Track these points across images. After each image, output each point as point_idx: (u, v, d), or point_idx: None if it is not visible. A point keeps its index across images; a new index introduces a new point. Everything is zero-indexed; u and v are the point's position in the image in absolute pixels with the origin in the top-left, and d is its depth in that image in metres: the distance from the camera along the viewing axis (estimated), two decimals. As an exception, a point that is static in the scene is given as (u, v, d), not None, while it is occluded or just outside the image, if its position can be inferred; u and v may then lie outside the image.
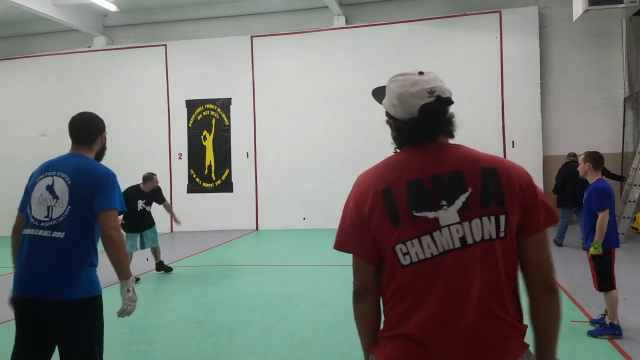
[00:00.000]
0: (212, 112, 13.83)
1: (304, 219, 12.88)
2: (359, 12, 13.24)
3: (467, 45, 12.24)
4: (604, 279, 4.67)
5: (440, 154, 1.59)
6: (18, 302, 2.68)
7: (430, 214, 1.51)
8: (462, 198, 1.52)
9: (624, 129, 11.79)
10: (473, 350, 1.48)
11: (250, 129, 13.57)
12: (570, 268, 6.71)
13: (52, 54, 14.56)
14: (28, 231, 2.71)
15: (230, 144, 13.77)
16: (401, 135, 1.65)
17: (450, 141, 1.66)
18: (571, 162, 9.73)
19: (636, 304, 5.59)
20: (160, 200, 8.44)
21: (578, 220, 8.18)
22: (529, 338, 1.60)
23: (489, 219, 1.51)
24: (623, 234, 9.69)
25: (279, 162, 13.29)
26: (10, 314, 2.79)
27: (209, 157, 13.88)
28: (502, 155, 10.59)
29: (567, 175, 9.21)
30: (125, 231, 7.81)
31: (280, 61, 13.35)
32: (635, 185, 9.93)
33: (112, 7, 12.96)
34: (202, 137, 13.90)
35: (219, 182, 13.82)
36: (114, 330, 5.38)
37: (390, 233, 1.53)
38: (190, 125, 13.95)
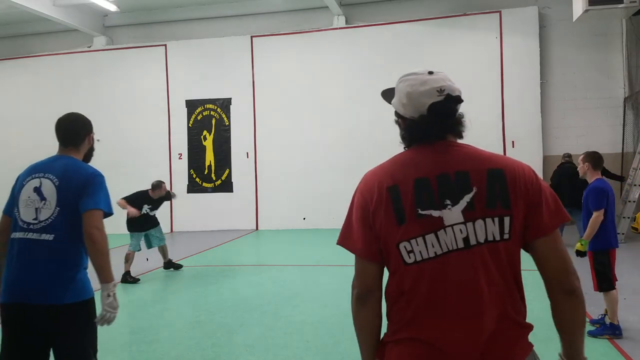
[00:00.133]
0: (212, 112, 13.83)
1: (304, 219, 12.88)
2: (359, 12, 13.25)
3: (467, 45, 12.25)
4: (603, 279, 4.68)
5: (447, 153, 1.58)
6: (7, 308, 2.61)
7: (435, 213, 1.51)
8: (467, 198, 1.51)
9: (624, 129, 11.79)
10: (488, 351, 1.47)
11: (250, 129, 13.57)
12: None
13: (52, 54, 14.57)
14: (17, 235, 2.65)
15: (230, 144, 13.77)
16: (410, 134, 1.65)
17: (459, 141, 1.65)
18: (566, 162, 9.75)
19: (636, 304, 5.59)
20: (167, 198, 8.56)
21: (575, 220, 8.19)
22: (545, 338, 1.59)
23: (493, 220, 1.50)
24: (623, 234, 9.69)
25: (279, 162, 13.29)
26: None
27: (209, 157, 13.88)
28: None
29: (561, 176, 9.21)
30: (129, 230, 7.88)
31: (280, 61, 13.36)
32: (635, 185, 9.93)
33: (112, 7, 12.96)
34: (202, 137, 13.90)
35: (219, 182, 13.82)
36: (114, 330, 5.37)
37: (394, 230, 1.53)
38: (190, 125, 13.95)
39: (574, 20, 10.02)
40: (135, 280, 7.66)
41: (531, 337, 1.58)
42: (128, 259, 7.77)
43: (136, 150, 13.96)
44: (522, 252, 1.60)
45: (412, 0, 12.95)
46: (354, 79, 12.84)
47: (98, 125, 11.66)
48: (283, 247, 10.86)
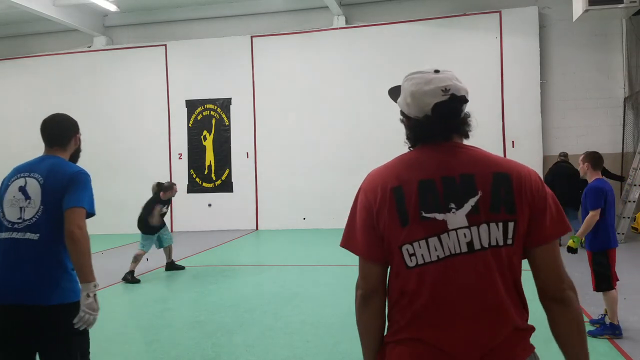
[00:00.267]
0: (212, 112, 13.83)
1: (304, 219, 12.88)
2: (359, 12, 13.25)
3: (467, 45, 12.25)
4: (602, 280, 4.68)
5: (453, 154, 1.56)
6: None
7: (439, 216, 1.49)
8: (472, 202, 1.49)
9: (624, 129, 11.79)
10: (489, 353, 1.47)
11: (250, 129, 13.57)
12: (570, 268, 6.66)
13: (52, 54, 14.56)
14: (2, 235, 2.60)
15: (230, 144, 13.77)
16: (414, 134, 1.63)
17: (465, 142, 1.63)
18: (562, 161, 9.77)
19: (636, 304, 5.60)
20: None
21: (571, 220, 8.20)
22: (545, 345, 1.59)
23: (497, 225, 1.49)
24: (623, 234, 9.70)
25: (279, 162, 13.30)
26: None
27: (209, 157, 13.88)
28: (502, 156, 10.65)
29: (556, 175, 9.21)
30: (145, 232, 7.95)
31: (280, 61, 13.36)
32: (635, 185, 9.93)
33: (112, 7, 12.96)
34: (202, 137, 13.90)
35: (219, 182, 13.82)
36: (114, 330, 5.39)
37: (398, 232, 1.51)
38: (190, 125, 13.95)
39: (574, 20, 10.02)
40: (136, 281, 7.67)
41: (532, 339, 1.58)
42: (137, 260, 7.81)
43: (136, 150, 13.96)
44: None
45: (412, 0, 12.95)
46: (354, 79, 12.84)
47: (98, 125, 11.78)
48: (283, 247, 10.86)
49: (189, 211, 13.57)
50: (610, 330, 4.67)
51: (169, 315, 6.17)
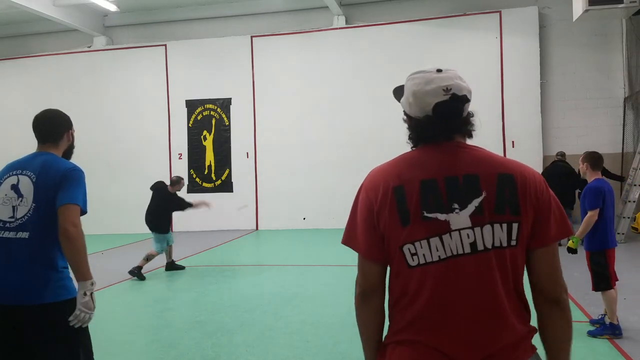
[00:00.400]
0: (212, 112, 13.83)
1: (304, 219, 12.89)
2: (359, 12, 13.25)
3: (467, 45, 12.25)
4: (600, 279, 4.69)
5: (456, 154, 1.55)
6: None
7: (441, 216, 1.48)
8: (475, 202, 1.48)
9: (624, 129, 11.79)
10: (491, 355, 1.47)
11: (250, 129, 13.57)
12: (570, 268, 6.70)
13: (52, 54, 14.56)
14: None
15: (230, 144, 13.77)
16: (416, 134, 1.62)
17: (468, 141, 1.63)
18: (559, 161, 9.80)
19: (636, 304, 5.59)
20: None
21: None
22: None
23: (501, 226, 1.48)
24: (623, 234, 9.70)
25: (279, 162, 13.30)
26: None
27: (209, 157, 13.88)
28: (502, 156, 10.72)
29: (551, 174, 9.23)
30: (162, 232, 8.06)
31: (280, 61, 13.36)
32: (635, 185, 9.92)
33: (112, 7, 12.96)
34: (202, 137, 13.90)
35: (219, 182, 13.82)
36: (114, 330, 5.39)
37: (398, 232, 1.50)
38: (190, 125, 13.95)
39: (574, 20, 10.03)
40: (142, 277, 7.74)
41: (534, 340, 1.58)
42: (149, 259, 7.93)
43: (136, 150, 13.96)
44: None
45: (412, 0, 12.95)
46: (354, 79, 12.84)
47: (98, 125, 11.79)
48: (283, 247, 10.86)
49: (189, 211, 13.55)
50: (610, 330, 4.67)
51: (169, 315, 6.18)
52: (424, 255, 1.49)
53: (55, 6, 12.66)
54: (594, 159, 4.82)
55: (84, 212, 2.59)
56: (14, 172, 2.64)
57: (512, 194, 1.50)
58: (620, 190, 10.60)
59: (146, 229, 8.23)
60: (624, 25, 11.83)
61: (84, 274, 2.51)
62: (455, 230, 1.48)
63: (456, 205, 1.49)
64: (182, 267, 8.53)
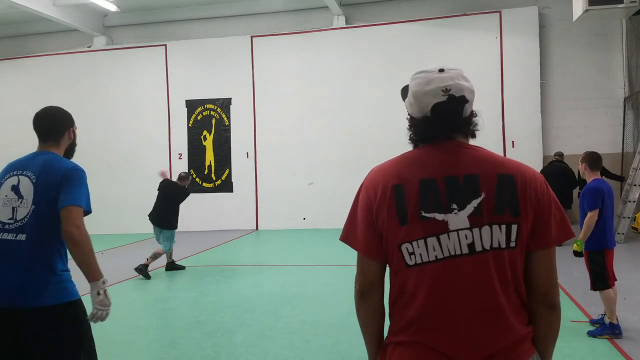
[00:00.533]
0: (212, 112, 13.84)
1: (304, 219, 12.89)
2: (359, 12, 13.25)
3: (467, 45, 12.25)
4: (598, 279, 4.70)
5: (457, 154, 1.55)
6: None
7: (439, 216, 1.48)
8: (474, 203, 1.48)
9: (624, 129, 11.79)
10: (490, 356, 1.47)
11: (250, 129, 13.58)
12: (570, 268, 6.70)
13: (52, 54, 14.57)
14: None
15: (230, 144, 13.77)
16: (416, 134, 1.63)
17: (471, 141, 1.62)
18: (557, 161, 9.81)
19: (636, 304, 5.59)
20: None
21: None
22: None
23: (500, 227, 1.48)
24: (623, 234, 9.69)
25: (279, 162, 13.30)
26: None
27: (209, 157, 13.88)
28: (503, 156, 10.76)
29: (548, 175, 9.24)
30: (174, 228, 8.21)
31: (280, 61, 13.36)
32: (635, 185, 9.92)
33: (112, 7, 12.96)
34: (202, 137, 13.90)
35: (219, 182, 13.82)
36: (114, 331, 5.38)
37: (397, 231, 1.51)
38: (190, 125, 13.95)
39: (574, 20, 10.02)
40: (147, 276, 7.78)
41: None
42: (156, 257, 8.00)
43: (136, 150, 13.96)
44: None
45: (412, 0, 12.95)
46: (354, 79, 12.85)
47: (98, 125, 11.80)
48: (283, 247, 10.86)
49: (189, 211, 13.53)
50: (609, 330, 4.67)
51: (169, 315, 6.18)
52: (420, 254, 1.49)
53: (55, 6, 12.66)
54: (592, 159, 4.83)
55: (87, 212, 2.56)
56: (15, 173, 2.61)
57: (512, 195, 1.49)
58: (620, 190, 10.60)
59: (146, 229, 8.26)
60: (624, 25, 11.83)
61: (94, 275, 2.50)
62: (454, 230, 1.48)
63: (455, 206, 1.49)
64: (182, 267, 8.53)
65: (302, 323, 5.48)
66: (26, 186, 2.54)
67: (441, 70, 1.57)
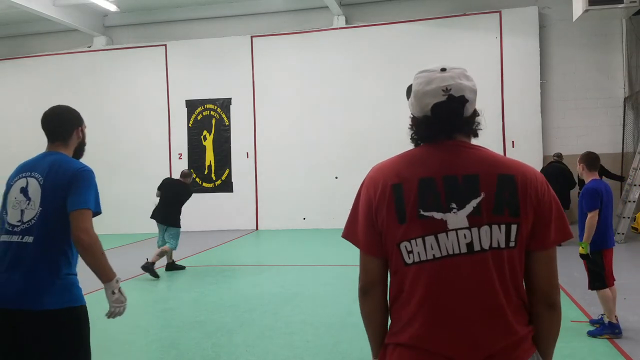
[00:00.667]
0: (212, 112, 13.83)
1: (304, 219, 12.89)
2: (359, 12, 13.25)
3: (467, 45, 12.25)
4: (596, 278, 4.71)
5: (457, 154, 1.55)
6: None
7: (438, 215, 1.48)
8: (473, 203, 1.48)
9: (624, 129, 11.79)
10: (490, 357, 1.47)
11: (250, 129, 13.58)
12: (570, 268, 6.71)
13: (52, 54, 14.56)
14: (2, 237, 2.52)
15: (230, 144, 13.77)
16: (416, 134, 1.63)
17: (473, 141, 1.62)
18: (555, 161, 9.82)
19: (636, 304, 5.59)
20: None
21: None
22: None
23: (499, 227, 1.47)
24: (623, 234, 9.69)
25: (279, 162, 13.29)
26: None
27: (209, 157, 13.88)
28: (504, 156, 10.76)
29: (547, 175, 9.25)
30: (179, 226, 8.28)
31: (280, 61, 13.36)
32: (635, 185, 9.92)
33: (112, 7, 12.96)
34: (202, 137, 13.90)
35: (219, 182, 13.82)
36: (114, 330, 5.38)
37: (395, 229, 1.51)
38: (190, 125, 13.95)
39: (574, 20, 10.02)
40: (155, 275, 7.80)
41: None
42: (162, 255, 8.02)
43: (136, 150, 13.96)
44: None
45: (412, 0, 12.95)
46: (354, 79, 12.85)
47: (98, 125, 11.82)
48: (283, 247, 10.86)
49: (189, 211, 13.51)
50: (609, 329, 4.67)
51: (169, 315, 6.18)
52: (418, 253, 1.49)
53: (55, 6, 12.66)
54: (590, 160, 4.83)
55: (97, 213, 2.54)
56: (24, 175, 2.59)
57: (512, 195, 1.49)
58: (620, 190, 10.60)
59: (146, 229, 8.27)
60: (624, 25, 11.83)
61: (107, 275, 2.53)
62: (452, 230, 1.48)
63: (454, 205, 1.49)
64: (182, 267, 8.54)
65: (302, 323, 5.48)
66: (34, 188, 2.53)
67: (443, 70, 1.56)
